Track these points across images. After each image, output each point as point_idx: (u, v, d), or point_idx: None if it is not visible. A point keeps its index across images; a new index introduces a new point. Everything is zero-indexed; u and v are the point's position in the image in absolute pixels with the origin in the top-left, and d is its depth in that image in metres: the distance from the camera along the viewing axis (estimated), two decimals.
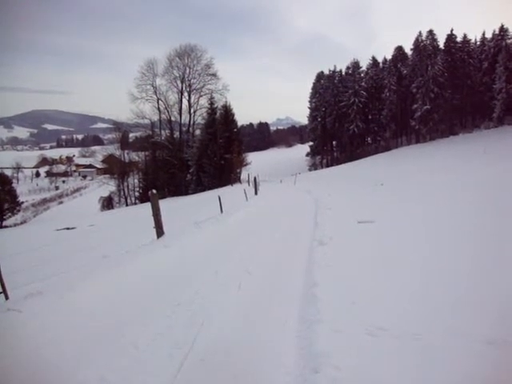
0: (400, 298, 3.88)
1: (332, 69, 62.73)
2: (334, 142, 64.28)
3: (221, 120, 42.15)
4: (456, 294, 3.81)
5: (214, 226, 8.84)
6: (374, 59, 60.36)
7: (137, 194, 49.81)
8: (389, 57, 57.84)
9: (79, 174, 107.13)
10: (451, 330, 3.14)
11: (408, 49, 54.68)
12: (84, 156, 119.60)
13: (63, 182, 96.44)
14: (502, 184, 11.27)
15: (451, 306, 3.57)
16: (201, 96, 48.15)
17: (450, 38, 51.22)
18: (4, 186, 47.49)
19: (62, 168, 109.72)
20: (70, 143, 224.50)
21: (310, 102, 65.21)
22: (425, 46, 50.48)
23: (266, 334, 3.54)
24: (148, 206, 7.77)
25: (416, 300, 3.80)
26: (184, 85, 47.55)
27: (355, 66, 60.49)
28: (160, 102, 47.25)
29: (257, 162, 50.60)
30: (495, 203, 8.51)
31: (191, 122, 48.01)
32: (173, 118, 47.90)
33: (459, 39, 51.49)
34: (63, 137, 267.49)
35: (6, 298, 4.02)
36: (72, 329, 3.61)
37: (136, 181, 51.13)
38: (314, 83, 65.73)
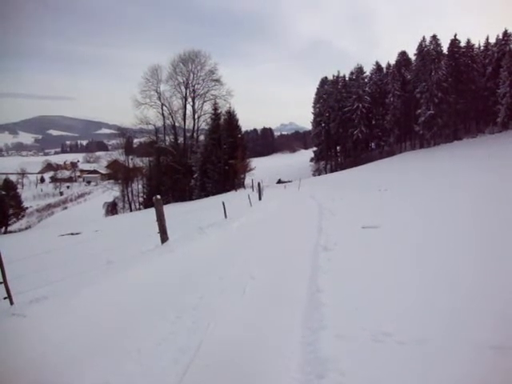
0: (404, 304, 3.86)
1: (336, 74, 62.69)
2: (337, 148, 64.08)
3: (225, 125, 42.19)
4: (460, 299, 3.79)
5: (218, 232, 8.85)
6: (377, 64, 60.33)
7: (141, 199, 49.84)
8: (392, 62, 57.89)
9: (83, 180, 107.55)
10: (455, 335, 3.13)
11: (412, 54, 54.78)
12: (88, 162, 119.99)
13: (67, 187, 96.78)
14: (506, 188, 11.25)
15: (455, 310, 3.55)
16: (205, 102, 48.26)
17: (454, 42, 51.08)
18: (9, 192, 47.83)
19: (66, 173, 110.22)
20: (74, 149, 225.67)
21: (314, 107, 65.12)
22: (428, 51, 50.51)
23: (270, 340, 3.53)
24: (152, 211, 7.79)
25: (420, 305, 3.78)
26: (188, 90, 47.75)
27: (359, 71, 60.48)
28: (164, 107, 47.42)
29: (261, 167, 50.61)
30: (499, 207, 8.50)
31: (195, 128, 48.12)
32: (177, 124, 48.06)
33: (463, 44, 51.28)
34: (68, 142, 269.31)
35: (11, 302, 4.03)
36: (76, 333, 3.62)
37: (140, 186, 51.22)
38: (317, 88, 65.72)
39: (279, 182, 52.48)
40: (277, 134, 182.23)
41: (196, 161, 42.69)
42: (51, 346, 3.32)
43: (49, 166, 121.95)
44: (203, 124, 47.92)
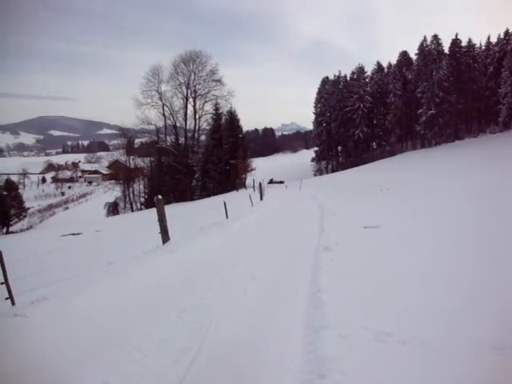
0: (406, 304, 3.86)
1: (337, 74, 62.69)
2: (339, 147, 63.98)
3: (226, 126, 42.25)
4: (461, 299, 3.79)
5: (219, 232, 8.83)
6: (378, 64, 60.21)
7: (142, 199, 49.75)
8: (393, 62, 57.88)
9: (85, 180, 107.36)
10: (457, 335, 3.13)
11: (413, 53, 54.70)
12: (90, 162, 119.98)
13: (69, 187, 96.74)
14: (507, 188, 11.23)
15: (457, 311, 3.55)
16: (206, 102, 48.20)
17: (455, 42, 51.04)
18: (10, 192, 47.94)
19: (67, 174, 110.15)
20: (75, 149, 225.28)
21: (315, 107, 65.02)
22: (429, 51, 50.38)
23: (272, 340, 3.53)
24: (153, 211, 7.79)
25: (422, 305, 3.78)
26: (189, 91, 47.69)
27: (360, 70, 60.25)
28: (165, 107, 47.36)
29: (262, 167, 50.61)
30: (499, 207, 8.50)
31: (196, 128, 48.06)
32: (178, 124, 48.03)
33: (464, 44, 51.25)
34: (69, 143, 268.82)
35: (13, 303, 4.03)
36: (77, 334, 3.61)
37: (141, 186, 51.11)
38: (318, 88, 65.59)
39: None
40: (278, 133, 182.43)
41: (197, 161, 42.69)
42: (52, 346, 3.32)
43: (50, 167, 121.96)
44: (204, 124, 47.89)
